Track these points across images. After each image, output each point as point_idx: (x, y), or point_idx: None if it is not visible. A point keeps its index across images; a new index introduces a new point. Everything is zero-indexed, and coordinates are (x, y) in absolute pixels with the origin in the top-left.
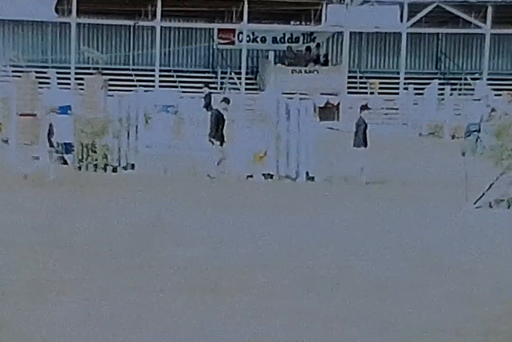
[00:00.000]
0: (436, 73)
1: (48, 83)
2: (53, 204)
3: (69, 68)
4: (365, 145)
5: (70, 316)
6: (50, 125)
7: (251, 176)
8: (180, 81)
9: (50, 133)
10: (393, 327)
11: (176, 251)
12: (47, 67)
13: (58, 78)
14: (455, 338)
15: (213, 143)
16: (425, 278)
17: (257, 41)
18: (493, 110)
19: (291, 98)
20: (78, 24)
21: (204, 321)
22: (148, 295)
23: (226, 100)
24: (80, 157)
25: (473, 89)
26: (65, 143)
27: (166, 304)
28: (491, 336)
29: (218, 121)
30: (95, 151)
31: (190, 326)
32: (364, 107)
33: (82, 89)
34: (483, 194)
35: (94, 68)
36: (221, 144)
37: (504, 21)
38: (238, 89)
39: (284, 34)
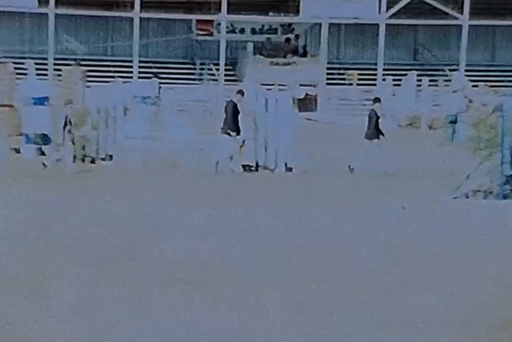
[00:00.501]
0: (414, 65)
1: (25, 74)
2: (29, 195)
3: (47, 59)
4: (378, 137)
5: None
6: (66, 117)
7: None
8: (158, 73)
9: (65, 125)
10: (375, 318)
11: (155, 244)
12: (25, 58)
13: (36, 69)
14: (437, 329)
15: (230, 135)
16: (402, 268)
17: (235, 32)
18: (470, 101)
19: (270, 89)
20: (57, 15)
21: (188, 313)
22: (129, 288)
23: (241, 92)
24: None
25: (450, 80)
26: (42, 135)
27: (147, 296)
28: (473, 327)
29: (234, 112)
30: (73, 143)
31: (174, 318)
32: (376, 100)
33: (60, 80)
34: (461, 185)
35: (72, 59)
36: (238, 134)
37: (481, 12)
38: (217, 80)
39: (263, 26)
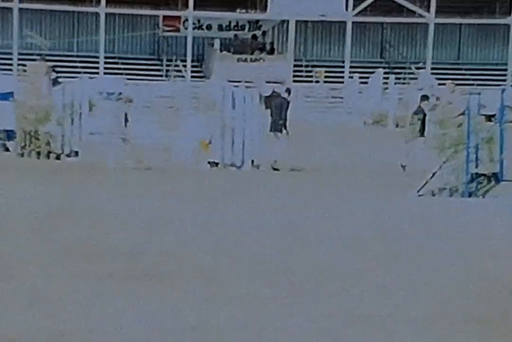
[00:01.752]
0: (380, 62)
1: None
2: None
3: (12, 54)
4: (423, 135)
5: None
6: (126, 114)
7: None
8: (125, 69)
9: (126, 122)
10: (338, 313)
11: (121, 237)
12: None
13: (1, 64)
14: (399, 324)
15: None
16: (367, 265)
17: (202, 29)
18: (437, 99)
19: (236, 86)
20: (21, 10)
21: (147, 308)
22: (86, 280)
23: (288, 90)
24: (23, 144)
25: (416, 78)
26: (6, 130)
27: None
28: (435, 322)
29: (279, 109)
30: (38, 139)
31: (131, 313)
32: (424, 98)
33: (25, 75)
34: (426, 182)
35: (37, 54)
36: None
37: (447, 10)
38: (184, 76)
39: (230, 22)
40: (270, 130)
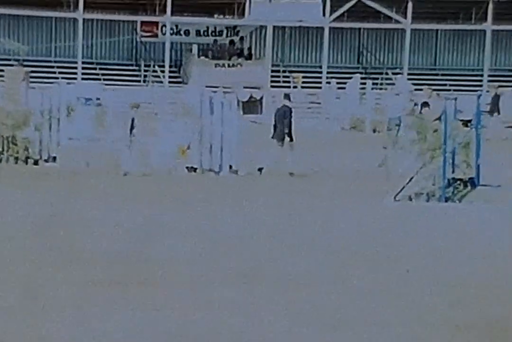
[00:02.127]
0: (358, 68)
1: None
2: None
3: None
4: None
5: None
6: (132, 120)
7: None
8: (102, 74)
9: (132, 128)
10: (313, 319)
11: (97, 244)
12: None
13: None
14: (375, 330)
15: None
16: (344, 271)
17: (180, 34)
18: (415, 104)
19: (214, 91)
20: None
21: (131, 314)
22: (72, 287)
23: (288, 96)
24: (1, 149)
25: (394, 84)
26: None
27: (88, 296)
28: (414, 327)
29: (281, 118)
30: (15, 144)
31: (115, 319)
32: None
33: (2, 81)
34: (403, 187)
35: (15, 60)
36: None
37: (424, 16)
38: (162, 82)
39: (208, 27)
40: (272, 137)
